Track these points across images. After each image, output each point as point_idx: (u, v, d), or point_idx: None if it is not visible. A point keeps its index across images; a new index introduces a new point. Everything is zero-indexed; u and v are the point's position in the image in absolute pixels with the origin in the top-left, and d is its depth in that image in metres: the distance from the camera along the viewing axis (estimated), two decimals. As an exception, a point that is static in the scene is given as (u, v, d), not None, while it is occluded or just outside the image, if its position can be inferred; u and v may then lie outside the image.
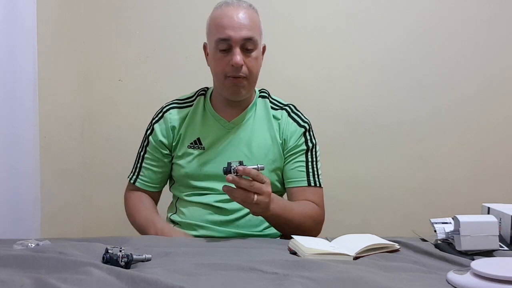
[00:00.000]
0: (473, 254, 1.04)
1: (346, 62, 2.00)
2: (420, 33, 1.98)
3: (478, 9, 1.96)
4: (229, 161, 1.12)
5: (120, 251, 0.94)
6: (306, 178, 1.37)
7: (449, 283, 0.86)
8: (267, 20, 1.98)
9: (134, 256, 0.95)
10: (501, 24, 1.96)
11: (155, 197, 1.47)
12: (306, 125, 1.41)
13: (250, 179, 1.11)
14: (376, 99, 1.99)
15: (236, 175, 1.10)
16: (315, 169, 1.39)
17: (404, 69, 1.99)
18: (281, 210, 1.23)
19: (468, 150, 1.98)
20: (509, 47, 1.96)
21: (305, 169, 1.37)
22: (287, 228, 1.29)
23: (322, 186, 1.39)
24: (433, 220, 1.20)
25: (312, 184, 1.37)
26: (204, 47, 1.41)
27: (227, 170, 1.11)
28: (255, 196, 1.12)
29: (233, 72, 1.29)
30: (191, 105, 1.43)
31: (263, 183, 1.13)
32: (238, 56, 1.28)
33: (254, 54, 1.32)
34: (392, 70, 1.99)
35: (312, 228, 1.33)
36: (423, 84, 1.98)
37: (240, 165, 1.10)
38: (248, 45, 1.30)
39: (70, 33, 2.00)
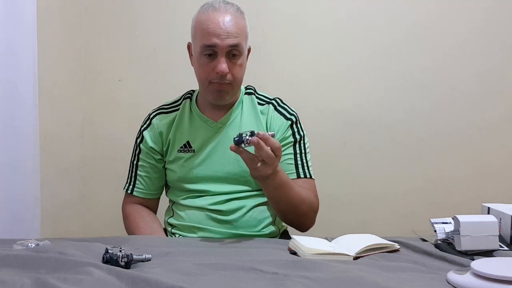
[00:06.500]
0: (473, 254, 1.04)
1: (346, 61, 2.00)
2: (420, 32, 1.98)
3: (478, 7, 1.96)
4: (241, 132, 1.13)
5: (120, 251, 0.94)
6: (295, 170, 1.36)
7: (449, 283, 0.86)
8: (267, 20, 2.00)
9: (134, 256, 0.95)
10: (502, 22, 1.96)
11: (154, 205, 1.46)
12: (292, 117, 1.40)
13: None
14: (376, 98, 1.99)
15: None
16: (304, 160, 1.38)
17: (404, 69, 1.99)
18: (281, 183, 1.22)
19: (468, 149, 1.98)
20: (509, 45, 1.96)
21: (293, 162, 1.37)
22: (283, 206, 1.28)
23: (313, 177, 1.39)
24: (433, 220, 1.20)
25: (302, 176, 1.36)
26: (188, 47, 1.39)
27: (239, 141, 1.12)
28: (259, 162, 1.12)
29: (217, 79, 1.29)
30: (178, 109, 1.43)
31: (276, 154, 1.13)
32: (223, 65, 1.27)
33: (239, 61, 1.31)
34: (392, 69, 1.99)
35: (308, 215, 1.33)
36: (424, 84, 1.98)
37: (252, 134, 1.11)
38: (233, 52, 1.28)
39: (70, 33, 2.00)
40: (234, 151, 1.12)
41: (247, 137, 1.11)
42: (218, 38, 1.26)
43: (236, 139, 1.12)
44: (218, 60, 1.27)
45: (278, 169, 1.19)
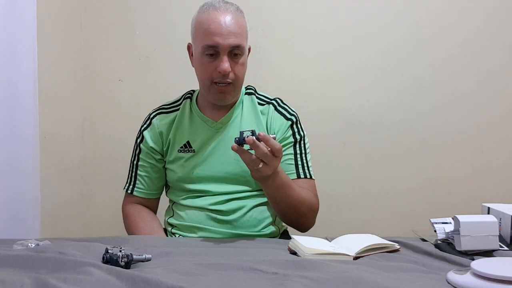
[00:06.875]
0: (473, 254, 1.04)
1: (346, 62, 2.00)
2: (420, 32, 1.98)
3: (478, 7, 1.96)
4: (241, 131, 1.12)
5: (120, 251, 0.94)
6: (295, 171, 1.36)
7: (449, 283, 0.86)
8: (267, 20, 2.00)
9: (134, 256, 0.95)
10: (502, 22, 1.96)
11: (154, 205, 1.46)
12: (293, 117, 1.40)
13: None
14: (376, 98, 1.99)
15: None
16: (304, 161, 1.38)
17: (405, 69, 1.99)
18: (281, 184, 1.22)
19: (468, 149, 1.98)
20: (509, 45, 1.96)
21: (293, 162, 1.37)
22: (284, 206, 1.28)
23: (313, 178, 1.39)
24: (433, 220, 1.20)
25: (302, 176, 1.36)
26: (188, 47, 1.39)
27: (240, 141, 1.11)
28: (261, 164, 1.12)
29: (220, 78, 1.29)
30: (178, 109, 1.43)
31: (276, 155, 1.12)
32: (226, 64, 1.27)
33: (241, 60, 1.31)
34: (392, 69, 1.99)
35: (308, 215, 1.33)
36: (423, 84, 1.98)
37: (252, 134, 1.11)
38: (235, 52, 1.29)
39: (70, 33, 2.00)
40: (236, 151, 1.12)
41: (254, 136, 1.11)
42: (220, 38, 1.26)
43: (237, 138, 1.12)
44: (221, 59, 1.27)
45: (278, 169, 1.19)
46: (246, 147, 1.12)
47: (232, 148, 1.11)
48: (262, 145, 1.10)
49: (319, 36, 2.00)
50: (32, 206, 1.49)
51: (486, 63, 1.97)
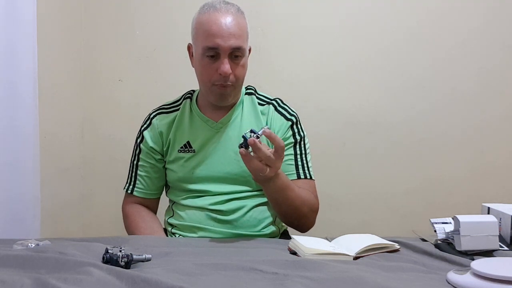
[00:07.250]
0: (473, 254, 1.04)
1: (346, 62, 2.00)
2: (420, 32, 1.98)
3: (478, 7, 1.96)
4: (243, 134, 1.12)
5: (120, 251, 0.94)
6: (295, 171, 1.36)
7: (449, 283, 0.86)
8: (267, 20, 2.00)
9: (134, 256, 0.95)
10: (502, 22, 1.96)
11: (154, 205, 1.46)
12: (293, 118, 1.40)
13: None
14: (376, 98, 1.99)
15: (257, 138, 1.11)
16: (304, 161, 1.38)
17: (404, 69, 1.99)
18: (282, 186, 1.22)
19: (468, 149, 1.98)
20: (509, 45, 1.96)
21: (293, 162, 1.37)
22: (284, 207, 1.28)
23: (313, 178, 1.39)
24: (433, 220, 1.20)
25: (302, 177, 1.36)
26: (189, 48, 1.39)
27: (246, 144, 1.11)
28: (268, 169, 1.12)
29: (220, 80, 1.29)
30: (178, 109, 1.42)
31: (279, 153, 1.13)
32: (226, 65, 1.26)
33: (241, 61, 1.31)
34: (392, 69, 1.99)
35: (309, 216, 1.33)
36: (423, 84, 1.98)
37: (253, 132, 1.12)
38: (236, 54, 1.28)
39: (70, 33, 2.00)
40: (244, 156, 1.12)
41: (256, 134, 1.11)
42: (220, 40, 1.26)
43: (242, 144, 1.11)
44: (221, 61, 1.27)
45: (279, 171, 1.19)
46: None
47: (241, 153, 1.11)
48: (263, 147, 1.10)
49: (319, 36, 2.00)
50: (32, 206, 1.49)
51: (486, 63, 1.97)
